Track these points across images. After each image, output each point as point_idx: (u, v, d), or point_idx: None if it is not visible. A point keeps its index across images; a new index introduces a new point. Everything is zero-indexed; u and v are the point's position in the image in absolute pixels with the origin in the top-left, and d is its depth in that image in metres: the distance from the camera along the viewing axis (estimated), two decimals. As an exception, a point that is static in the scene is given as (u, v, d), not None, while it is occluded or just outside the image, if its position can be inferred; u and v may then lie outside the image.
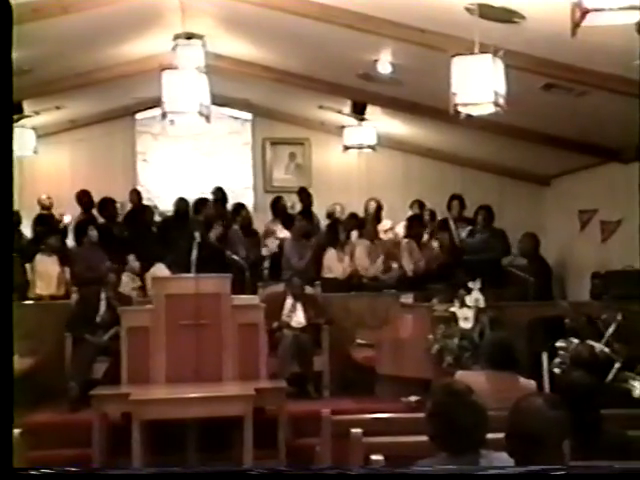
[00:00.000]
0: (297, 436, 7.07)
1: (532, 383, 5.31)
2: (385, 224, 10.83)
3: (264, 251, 10.14)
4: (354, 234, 10.53)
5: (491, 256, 10.09)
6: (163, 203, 11.49)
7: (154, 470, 2.75)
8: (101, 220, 10.56)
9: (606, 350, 7.17)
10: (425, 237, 10.49)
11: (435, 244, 10.38)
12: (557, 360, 7.14)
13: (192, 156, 12.03)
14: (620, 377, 6.92)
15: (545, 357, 7.16)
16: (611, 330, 7.36)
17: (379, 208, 10.94)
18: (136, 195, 11.10)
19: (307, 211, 10.97)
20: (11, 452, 2.54)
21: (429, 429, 3.41)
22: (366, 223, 10.53)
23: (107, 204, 10.65)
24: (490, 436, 3.33)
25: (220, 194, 11.18)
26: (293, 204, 11.30)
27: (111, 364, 7.68)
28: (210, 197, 11.12)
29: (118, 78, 9.63)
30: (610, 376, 6.89)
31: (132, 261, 9.69)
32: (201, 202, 10.87)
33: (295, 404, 7.44)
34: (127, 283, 9.46)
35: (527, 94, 7.50)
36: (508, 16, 6.25)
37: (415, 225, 10.41)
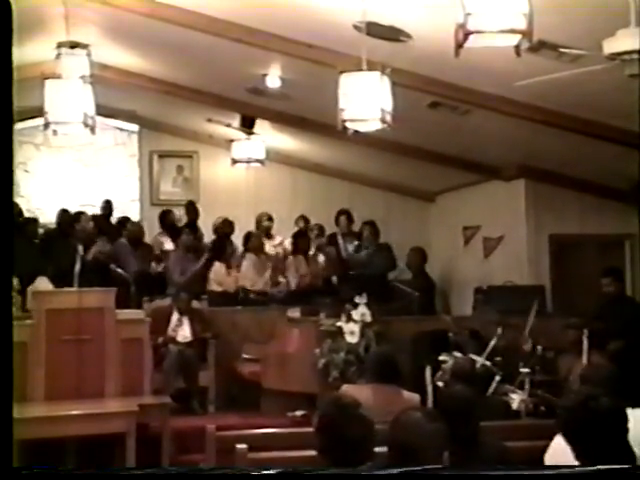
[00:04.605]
0: (181, 452, 6.97)
1: (415, 396, 5.39)
2: (275, 239, 10.82)
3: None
4: (240, 248, 10.47)
5: (377, 271, 10.20)
6: (45, 215, 11.18)
7: (153, 470, 2.81)
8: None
9: (487, 364, 7.33)
10: (312, 252, 10.53)
11: (321, 259, 10.42)
12: (440, 373, 7.26)
13: (76, 167, 11.77)
14: (500, 390, 7.09)
15: (429, 371, 7.27)
16: (492, 344, 7.53)
17: (270, 223, 10.88)
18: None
19: (192, 225, 10.85)
20: (11, 452, 2.53)
21: (317, 443, 3.40)
22: (252, 237, 10.48)
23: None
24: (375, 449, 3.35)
25: (108, 207, 10.99)
26: (180, 217, 11.18)
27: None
28: (96, 209, 10.90)
29: (-3, 85, 9.32)
30: (491, 389, 7.05)
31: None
32: (79, 215, 10.59)
33: (180, 420, 7.35)
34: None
35: (413, 112, 7.63)
36: (395, 35, 6.36)
37: (301, 241, 10.42)
